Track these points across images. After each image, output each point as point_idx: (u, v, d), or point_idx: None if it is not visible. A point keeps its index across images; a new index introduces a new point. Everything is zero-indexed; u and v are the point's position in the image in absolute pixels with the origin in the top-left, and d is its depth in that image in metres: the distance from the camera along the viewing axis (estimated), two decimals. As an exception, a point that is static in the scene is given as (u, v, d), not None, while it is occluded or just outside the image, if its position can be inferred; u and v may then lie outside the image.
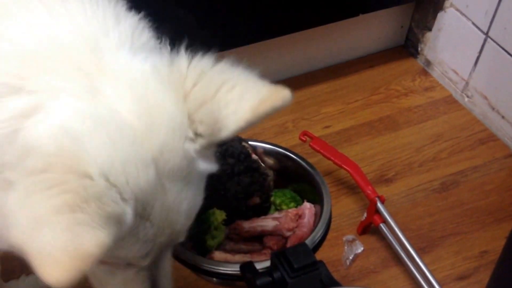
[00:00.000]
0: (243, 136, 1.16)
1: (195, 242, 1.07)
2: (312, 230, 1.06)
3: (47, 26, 0.71)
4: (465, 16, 1.65)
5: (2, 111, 0.66)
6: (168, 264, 0.83)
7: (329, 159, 1.39)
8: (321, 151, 1.40)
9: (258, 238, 1.10)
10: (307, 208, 1.11)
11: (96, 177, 0.63)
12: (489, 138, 1.63)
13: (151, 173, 0.68)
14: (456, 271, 1.34)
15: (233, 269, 0.99)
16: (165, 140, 0.69)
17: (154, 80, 0.71)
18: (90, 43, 0.70)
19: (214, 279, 1.03)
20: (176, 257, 1.01)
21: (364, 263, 1.34)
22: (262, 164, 1.15)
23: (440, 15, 1.74)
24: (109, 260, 0.75)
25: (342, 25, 1.71)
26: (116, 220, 0.64)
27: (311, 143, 1.42)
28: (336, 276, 0.98)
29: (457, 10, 1.67)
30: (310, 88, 1.73)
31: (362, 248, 1.36)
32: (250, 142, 1.16)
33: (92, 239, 0.60)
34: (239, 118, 0.71)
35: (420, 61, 1.85)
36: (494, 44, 1.57)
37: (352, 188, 1.48)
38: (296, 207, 1.13)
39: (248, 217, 1.11)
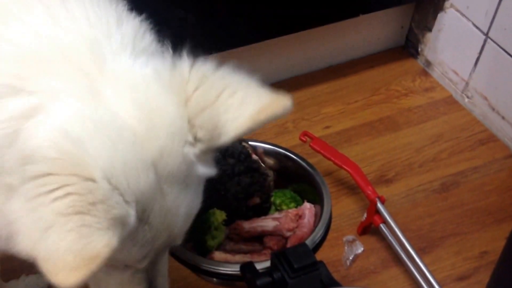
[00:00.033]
0: (244, 136, 1.16)
1: (196, 242, 1.07)
2: (312, 231, 1.06)
3: (48, 27, 0.71)
4: (465, 16, 1.65)
5: (1, 112, 0.66)
6: (165, 265, 0.83)
7: (329, 159, 1.39)
8: (321, 151, 1.40)
9: (258, 238, 1.10)
10: (307, 208, 1.11)
11: (99, 180, 0.63)
12: (489, 138, 1.64)
13: (151, 176, 0.68)
14: (456, 271, 1.34)
15: (233, 269, 0.99)
16: (165, 143, 0.69)
17: (155, 83, 0.71)
18: (91, 45, 0.70)
19: (214, 279, 1.03)
20: (177, 257, 1.01)
21: (364, 264, 1.34)
22: (262, 165, 1.15)
23: (440, 15, 1.74)
24: (107, 263, 0.75)
25: (342, 26, 1.71)
26: (121, 222, 0.64)
27: (311, 144, 1.42)
28: (336, 276, 0.98)
29: (457, 10, 1.67)
30: (311, 89, 1.73)
31: (362, 249, 1.36)
32: (250, 142, 1.16)
33: (100, 241, 0.60)
34: (239, 124, 0.72)
35: (420, 62, 1.85)
36: (494, 44, 1.57)
37: (352, 189, 1.48)
38: (296, 207, 1.13)
39: (248, 217, 1.11)
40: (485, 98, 1.66)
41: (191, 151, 0.72)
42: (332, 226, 1.08)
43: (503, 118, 1.62)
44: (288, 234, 1.09)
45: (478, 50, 1.63)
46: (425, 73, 1.82)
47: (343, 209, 1.44)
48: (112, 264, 0.76)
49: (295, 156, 1.17)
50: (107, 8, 0.75)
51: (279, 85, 1.83)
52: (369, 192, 1.32)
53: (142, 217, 0.69)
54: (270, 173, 1.15)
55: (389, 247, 1.35)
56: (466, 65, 1.68)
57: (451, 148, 1.60)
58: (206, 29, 1.47)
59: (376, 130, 1.64)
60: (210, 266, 1.00)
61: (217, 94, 0.72)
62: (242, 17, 1.53)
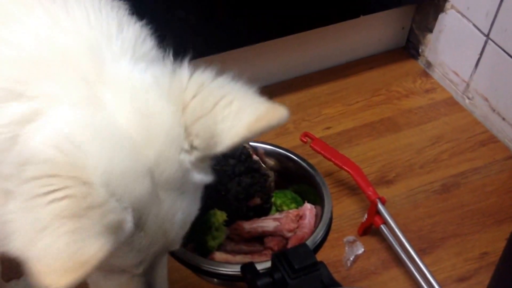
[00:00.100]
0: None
1: (196, 243, 1.07)
2: (313, 231, 1.06)
3: (49, 32, 0.71)
4: (466, 17, 1.65)
5: (1, 116, 0.66)
6: (163, 268, 0.83)
7: (330, 160, 1.39)
8: (322, 152, 1.41)
9: (259, 238, 1.10)
10: (308, 209, 1.11)
11: (97, 185, 0.63)
12: (490, 140, 1.64)
13: (147, 183, 0.68)
14: (457, 272, 1.34)
15: (234, 269, 0.99)
16: (161, 150, 0.69)
17: (154, 90, 0.71)
18: (92, 50, 0.70)
19: (215, 279, 1.03)
20: (177, 257, 1.01)
21: (365, 264, 1.35)
22: (263, 165, 1.15)
23: (441, 16, 1.74)
24: (103, 267, 0.75)
25: (343, 27, 1.71)
26: (116, 228, 0.64)
27: (312, 144, 1.42)
28: (336, 277, 0.98)
29: (458, 11, 1.67)
30: (311, 89, 1.73)
31: (362, 249, 1.36)
32: (251, 143, 1.16)
33: (93, 246, 0.61)
34: (235, 134, 0.72)
35: (421, 63, 1.86)
36: (495, 45, 1.57)
37: (352, 189, 1.48)
38: (297, 208, 1.13)
39: (249, 218, 1.11)
40: (486, 99, 1.66)
41: (187, 159, 0.72)
42: (333, 226, 1.08)
43: (503, 119, 1.62)
44: (288, 234, 1.09)
45: (479, 51, 1.63)
46: (425, 74, 1.82)
47: (344, 209, 1.44)
48: (109, 268, 0.76)
49: (295, 156, 1.17)
50: (108, 12, 0.75)
51: (279, 86, 1.85)
52: (370, 193, 1.32)
53: (138, 223, 0.69)
54: (271, 174, 1.15)
55: (389, 248, 1.35)
56: (466, 66, 1.69)
57: (451, 149, 1.60)
58: (206, 30, 1.47)
59: (377, 131, 1.64)
60: (210, 267, 1.00)
61: (215, 103, 0.72)
62: (242, 18, 1.53)
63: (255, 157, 1.14)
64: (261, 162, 1.15)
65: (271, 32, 1.59)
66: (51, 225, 0.60)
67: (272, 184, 1.15)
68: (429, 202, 1.48)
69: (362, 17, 1.68)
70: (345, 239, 1.37)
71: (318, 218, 1.09)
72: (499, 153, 1.60)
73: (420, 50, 1.85)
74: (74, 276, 0.59)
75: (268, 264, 0.96)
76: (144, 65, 0.73)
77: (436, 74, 1.80)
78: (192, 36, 1.45)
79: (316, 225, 1.08)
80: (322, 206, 1.09)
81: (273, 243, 1.09)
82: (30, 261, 0.60)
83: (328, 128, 1.64)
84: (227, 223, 1.10)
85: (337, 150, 1.42)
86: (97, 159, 0.64)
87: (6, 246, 0.64)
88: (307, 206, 1.12)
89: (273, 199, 1.15)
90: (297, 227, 1.09)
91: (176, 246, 0.79)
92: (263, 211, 1.13)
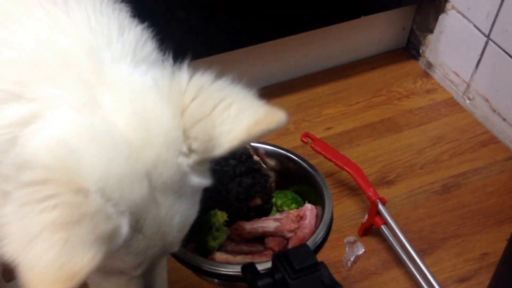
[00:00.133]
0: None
1: (197, 243, 1.08)
2: (314, 232, 1.06)
3: (49, 33, 0.71)
4: (467, 18, 1.65)
5: (1, 118, 0.66)
6: (163, 270, 0.83)
7: (330, 160, 1.40)
8: (323, 152, 1.41)
9: (260, 239, 1.10)
10: (309, 209, 1.11)
11: (92, 192, 0.63)
12: (490, 140, 1.64)
13: (145, 186, 0.68)
14: (457, 273, 1.34)
15: (235, 270, 0.99)
16: (159, 154, 0.69)
17: (153, 93, 0.71)
18: (92, 53, 0.70)
19: (216, 280, 1.03)
20: (178, 258, 1.01)
21: (365, 265, 1.35)
22: (264, 166, 1.15)
23: (441, 17, 1.74)
24: (101, 269, 0.75)
25: (344, 27, 1.71)
26: (108, 237, 0.63)
27: (312, 145, 1.42)
28: (337, 277, 0.98)
29: (459, 12, 1.68)
30: (312, 90, 1.73)
31: (363, 250, 1.36)
32: (251, 144, 1.16)
33: (84, 257, 0.60)
34: (233, 137, 0.72)
35: (421, 63, 1.86)
36: (496, 46, 1.58)
37: (353, 190, 1.48)
38: (297, 208, 1.13)
39: (249, 218, 1.11)
40: (486, 100, 1.66)
41: (185, 162, 0.72)
42: (333, 227, 1.08)
43: (504, 120, 1.62)
44: (289, 235, 1.09)
45: (480, 52, 1.63)
46: (426, 75, 1.82)
47: (344, 210, 1.44)
48: (107, 270, 0.76)
49: (296, 157, 1.17)
50: (109, 15, 0.75)
51: (280, 86, 1.85)
52: (370, 194, 1.32)
53: (136, 226, 0.69)
54: (272, 174, 1.15)
55: (390, 248, 1.35)
56: (467, 67, 1.69)
57: (452, 149, 1.61)
58: (207, 30, 1.47)
59: (377, 131, 1.65)
60: (211, 267, 1.00)
61: (214, 106, 0.72)
62: (243, 19, 1.53)
63: (255, 157, 1.14)
64: (261, 163, 1.15)
65: (272, 32, 1.59)
66: (42, 235, 0.60)
67: (273, 184, 1.15)
68: (430, 203, 1.48)
69: (362, 18, 1.68)
70: (345, 240, 1.37)
71: (319, 218, 1.09)
72: (499, 154, 1.60)
73: (420, 51, 1.85)
74: (65, 286, 0.59)
75: (268, 265, 0.96)
76: (145, 68, 0.73)
77: (437, 74, 1.80)
78: (193, 37, 1.45)
79: (316, 226, 1.08)
80: (323, 207, 1.09)
81: (273, 244, 1.09)
82: (22, 269, 0.60)
83: (328, 128, 1.64)
84: (228, 224, 1.10)
85: (337, 151, 1.42)
86: (94, 163, 0.64)
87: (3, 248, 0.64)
88: (308, 206, 1.12)
89: (273, 200, 1.15)
90: (298, 228, 1.10)
91: (175, 249, 0.79)
92: (264, 211, 1.14)
